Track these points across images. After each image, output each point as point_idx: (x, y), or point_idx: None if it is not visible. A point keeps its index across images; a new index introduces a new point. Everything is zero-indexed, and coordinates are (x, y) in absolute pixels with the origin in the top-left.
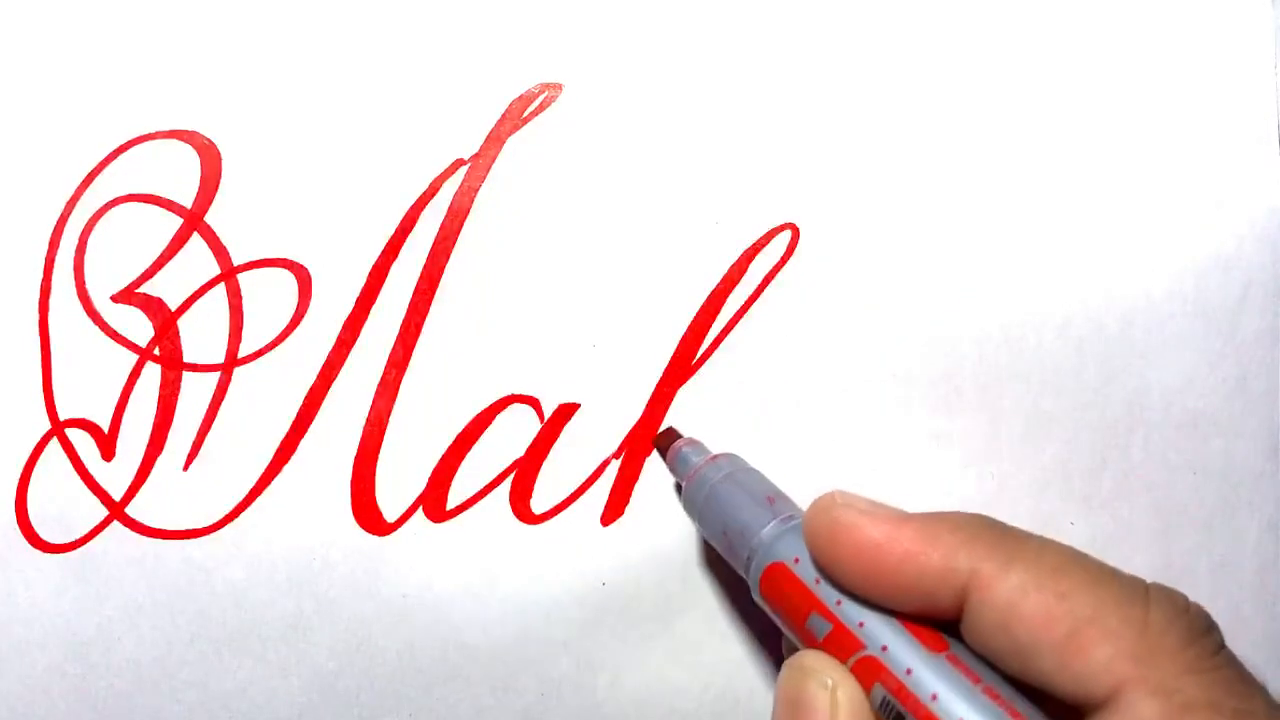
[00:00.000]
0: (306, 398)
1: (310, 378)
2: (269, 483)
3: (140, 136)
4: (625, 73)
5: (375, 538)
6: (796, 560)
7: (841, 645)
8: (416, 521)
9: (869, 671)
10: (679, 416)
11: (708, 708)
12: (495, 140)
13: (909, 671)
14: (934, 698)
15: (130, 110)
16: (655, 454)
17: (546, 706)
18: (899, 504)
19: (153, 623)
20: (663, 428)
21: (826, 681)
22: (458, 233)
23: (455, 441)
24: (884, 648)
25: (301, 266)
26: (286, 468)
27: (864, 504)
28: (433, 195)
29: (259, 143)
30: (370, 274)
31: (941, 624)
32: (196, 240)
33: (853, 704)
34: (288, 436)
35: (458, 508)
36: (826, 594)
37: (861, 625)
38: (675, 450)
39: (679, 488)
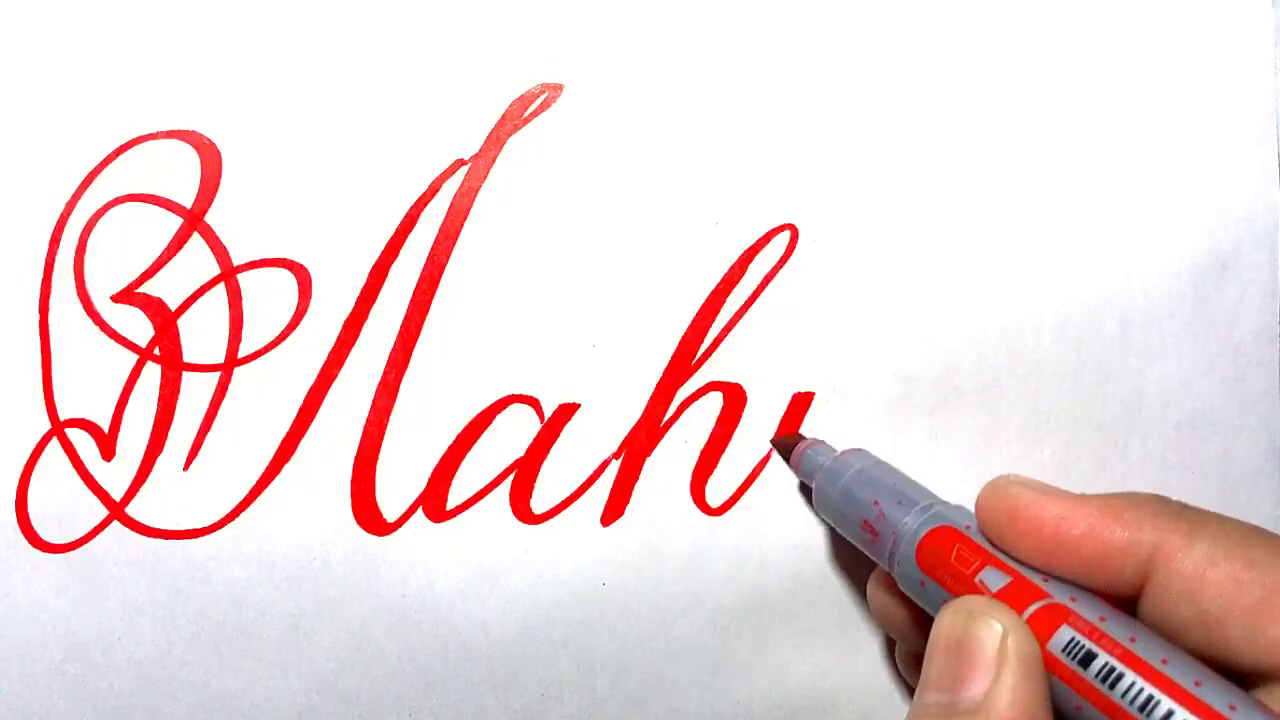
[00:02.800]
0: (306, 398)
1: (310, 378)
2: (269, 483)
3: (140, 136)
4: (625, 73)
5: (375, 538)
6: (967, 527)
7: (1021, 595)
8: (416, 521)
9: (1054, 616)
10: (679, 417)
11: (708, 708)
12: (495, 140)
13: (1102, 619)
14: (1132, 640)
15: (130, 110)
16: (657, 454)
17: (546, 706)
18: None
19: (153, 623)
20: (781, 434)
21: (995, 625)
22: (458, 233)
23: (455, 441)
24: (1072, 599)
25: (301, 266)
26: (286, 468)
27: (1037, 484)
28: (433, 195)
29: (259, 143)
30: (370, 274)
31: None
32: (196, 240)
33: (1024, 650)
34: (288, 436)
35: (458, 508)
36: (1004, 555)
37: (1045, 580)
38: (800, 451)
39: (804, 488)
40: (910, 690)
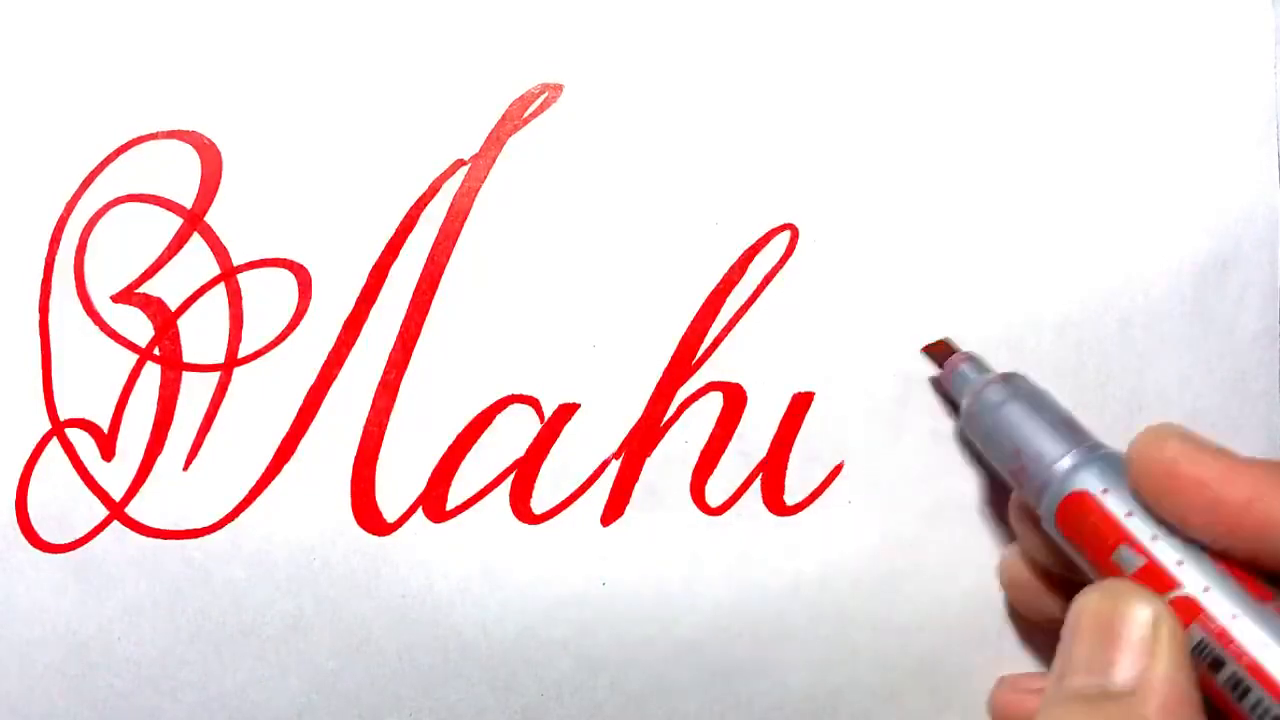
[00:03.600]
0: (306, 398)
1: (310, 378)
2: (269, 483)
3: (140, 136)
4: (625, 73)
5: (375, 538)
6: (1105, 491)
7: (1154, 582)
8: (416, 521)
9: (1185, 612)
10: (679, 417)
11: (708, 708)
12: (495, 141)
13: (1234, 617)
14: (1265, 646)
15: (130, 110)
16: (657, 454)
17: (546, 706)
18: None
19: (153, 623)
20: (935, 339)
21: (1147, 609)
22: (458, 233)
23: (455, 441)
24: (1206, 589)
25: (301, 266)
26: (286, 468)
27: (1200, 439)
28: (433, 196)
29: (259, 143)
30: (370, 274)
31: (1265, 574)
32: (196, 240)
33: (1177, 639)
34: (288, 436)
35: (458, 508)
36: (1139, 528)
37: (1180, 564)
38: (953, 365)
39: (955, 408)
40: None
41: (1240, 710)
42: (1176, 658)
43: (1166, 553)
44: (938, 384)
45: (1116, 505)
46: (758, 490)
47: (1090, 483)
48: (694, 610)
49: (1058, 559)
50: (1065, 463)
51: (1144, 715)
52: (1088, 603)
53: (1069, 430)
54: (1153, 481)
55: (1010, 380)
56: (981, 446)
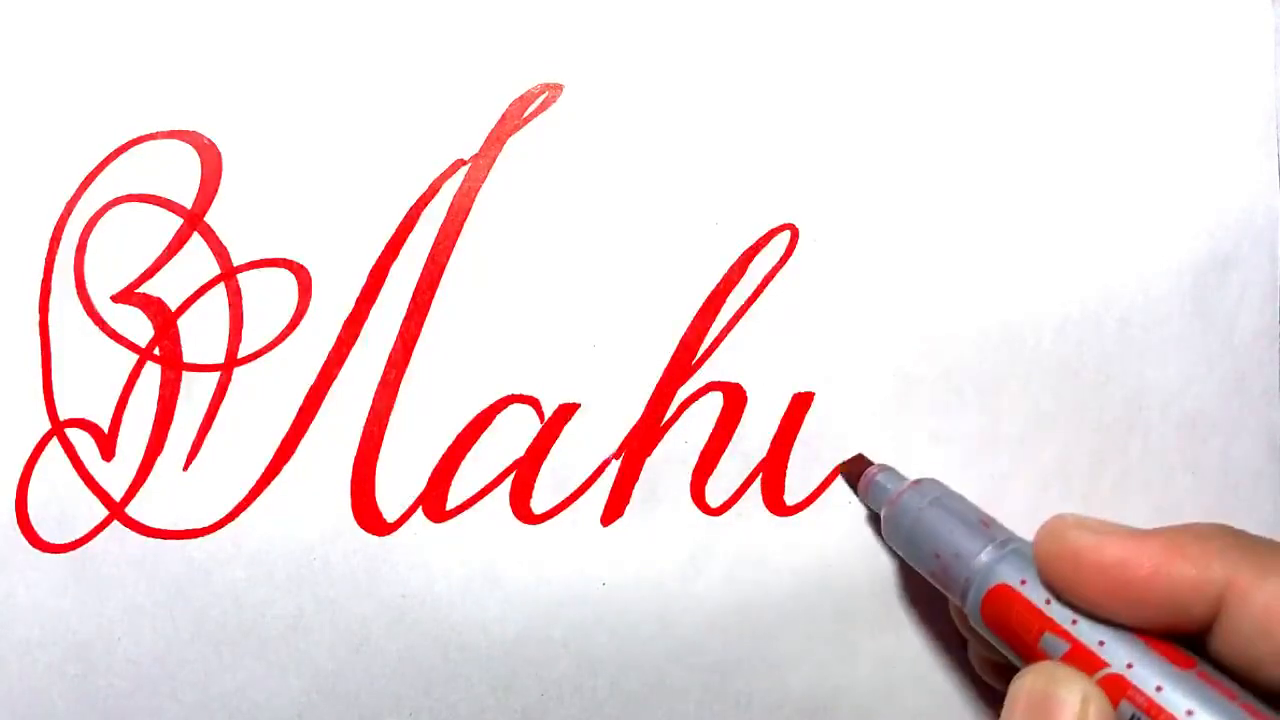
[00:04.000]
0: (306, 398)
1: (310, 378)
2: (269, 483)
3: (140, 136)
4: (625, 73)
5: (375, 538)
6: (1023, 582)
7: (1081, 664)
8: (416, 521)
9: (1114, 689)
10: (679, 417)
11: (707, 708)
12: (495, 141)
13: (1159, 689)
14: (1189, 714)
15: (130, 110)
16: (657, 454)
17: (546, 706)
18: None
19: (153, 623)
20: (850, 456)
21: (1077, 690)
22: (458, 233)
23: (455, 441)
24: (1129, 665)
25: (301, 266)
26: (286, 468)
27: (1097, 523)
28: (433, 195)
29: (259, 143)
30: (370, 274)
31: (1184, 640)
32: (196, 240)
33: (1105, 715)
34: (288, 436)
35: (458, 508)
36: (1060, 614)
37: (1102, 644)
38: (869, 478)
39: (874, 517)
40: (973, 683)
41: None
42: None
43: (1088, 634)
44: (860, 496)
45: (1035, 594)
46: (758, 490)
47: (1008, 575)
48: (694, 610)
49: (995, 651)
50: (982, 559)
51: None
52: (1021, 685)
53: (982, 528)
54: (1060, 573)
55: (922, 486)
56: (905, 554)
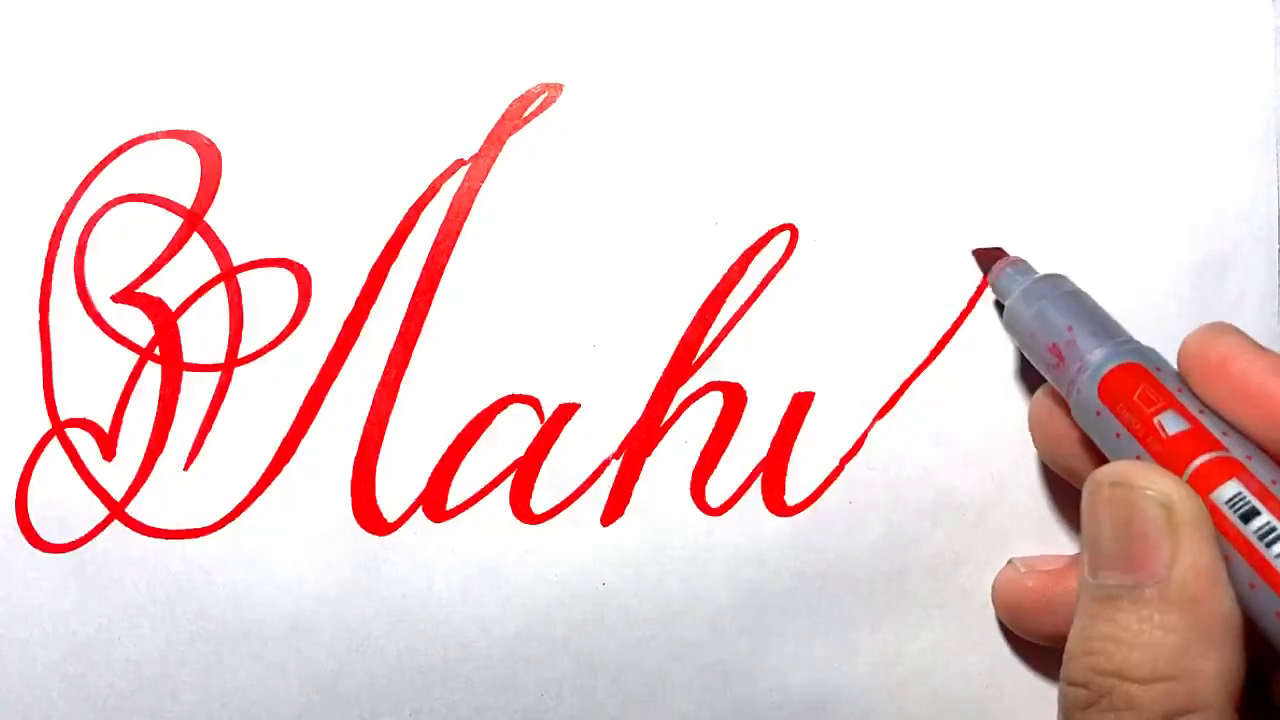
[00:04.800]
0: (306, 398)
1: (310, 378)
2: (269, 483)
3: (140, 136)
4: (625, 73)
5: (375, 538)
6: (1158, 369)
7: (1195, 444)
8: (416, 521)
9: (1224, 469)
10: (679, 417)
11: (708, 708)
12: (495, 140)
13: (1275, 482)
14: None
15: (130, 110)
16: (657, 454)
17: (546, 706)
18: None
19: (153, 623)
20: (988, 246)
21: (1159, 497)
22: (458, 233)
23: (455, 441)
24: (1249, 457)
25: (301, 266)
26: (286, 468)
27: (1251, 340)
28: (433, 195)
29: (259, 143)
30: (370, 274)
31: None
32: (196, 240)
33: (1194, 515)
34: (288, 436)
35: (458, 508)
36: (1189, 401)
37: (1225, 434)
38: (1000, 268)
39: (999, 306)
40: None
41: (1267, 558)
42: (1197, 538)
43: (1214, 422)
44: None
45: (1168, 380)
46: (758, 490)
47: (1144, 359)
48: (694, 610)
49: (1071, 446)
50: (1114, 345)
51: (1177, 602)
52: (1100, 494)
53: (1116, 325)
54: (1203, 372)
55: (1056, 279)
56: (1028, 330)
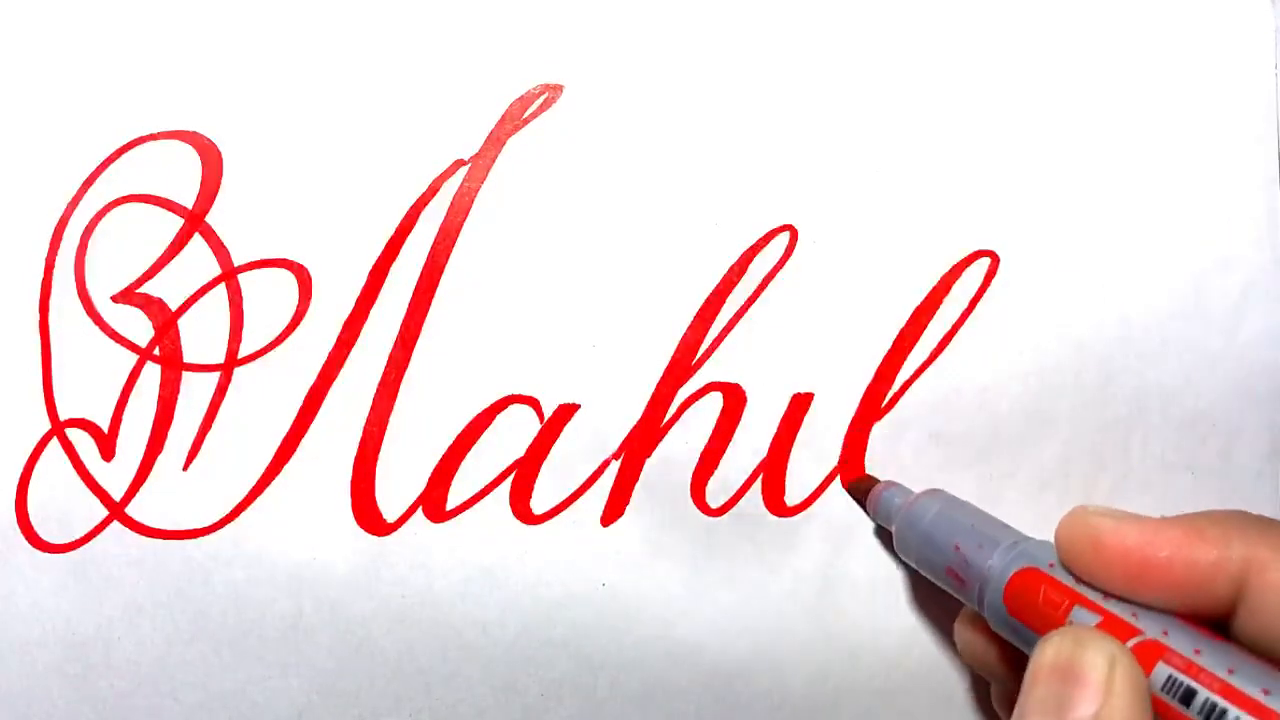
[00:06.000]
0: (306, 398)
1: (310, 378)
2: (269, 483)
3: (141, 137)
4: (625, 73)
5: (375, 538)
6: (1051, 565)
7: (1114, 631)
8: (416, 521)
9: (1149, 654)
10: (679, 417)
11: (707, 709)
12: (495, 141)
13: (1197, 651)
14: (1230, 672)
15: (131, 110)
16: (657, 454)
17: (546, 706)
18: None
19: (153, 623)
20: (856, 478)
21: (1103, 651)
22: (458, 233)
23: (455, 441)
24: (1165, 632)
25: (301, 266)
26: (286, 468)
27: (1116, 511)
28: (433, 195)
29: (259, 143)
30: (370, 274)
31: (1211, 625)
32: (197, 240)
33: (1134, 676)
34: (288, 436)
35: (458, 508)
36: (1089, 591)
37: (1135, 615)
38: (876, 494)
39: (880, 531)
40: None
41: None
42: (1133, 697)
43: (1120, 608)
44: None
45: (1063, 575)
46: (758, 490)
47: (1035, 560)
48: (694, 610)
49: (1010, 668)
50: (1002, 555)
51: None
52: (1046, 647)
53: (999, 528)
54: (1082, 560)
55: (932, 495)
56: (919, 556)
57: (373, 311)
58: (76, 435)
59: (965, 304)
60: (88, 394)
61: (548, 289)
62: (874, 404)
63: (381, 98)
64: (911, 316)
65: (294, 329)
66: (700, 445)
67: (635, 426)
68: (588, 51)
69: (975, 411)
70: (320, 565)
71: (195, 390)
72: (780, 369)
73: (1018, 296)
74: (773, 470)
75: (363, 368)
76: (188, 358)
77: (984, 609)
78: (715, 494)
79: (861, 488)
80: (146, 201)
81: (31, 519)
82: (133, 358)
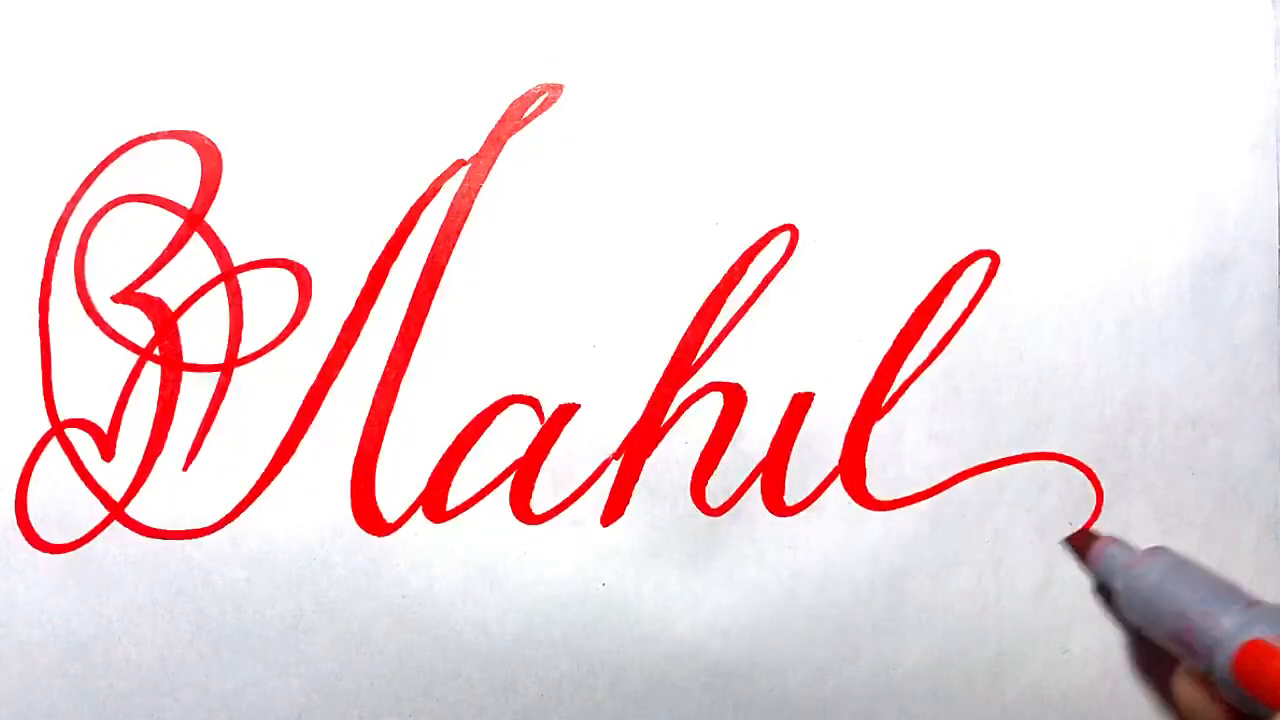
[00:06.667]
0: (306, 398)
1: (310, 378)
2: (269, 483)
3: (141, 137)
4: (625, 73)
5: (375, 538)
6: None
7: None
8: (416, 521)
9: None
10: (679, 417)
11: (707, 709)
12: (495, 141)
13: None
14: None
15: (131, 110)
16: (657, 454)
17: (546, 706)
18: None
19: (153, 623)
20: (1077, 531)
21: None
22: (458, 233)
23: (455, 441)
24: None
25: (301, 266)
26: (286, 468)
27: None
28: (433, 195)
29: (259, 143)
30: (370, 274)
31: None
32: (197, 240)
33: None
34: (288, 436)
35: (458, 508)
36: None
37: None
38: (1099, 549)
39: (1101, 589)
40: None
41: None
42: None
43: None
44: (1086, 569)
45: None
46: (758, 490)
47: (1263, 630)
48: (694, 610)
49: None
50: (1235, 616)
51: None
52: None
53: (1229, 590)
54: None
55: (1160, 553)
56: (1144, 620)
57: (373, 311)
58: (76, 435)
59: (965, 304)
60: (88, 394)
61: (548, 289)
62: (874, 404)
63: (381, 98)
64: (911, 316)
65: (294, 329)
66: (700, 445)
67: (635, 426)
68: (588, 51)
69: (975, 411)
70: (320, 565)
71: (195, 390)
72: (780, 369)
73: (1018, 296)
74: (773, 470)
75: (363, 368)
76: (188, 358)
77: (1214, 676)
78: (715, 494)
79: (1082, 543)
80: (146, 201)
81: (31, 519)
82: (133, 358)
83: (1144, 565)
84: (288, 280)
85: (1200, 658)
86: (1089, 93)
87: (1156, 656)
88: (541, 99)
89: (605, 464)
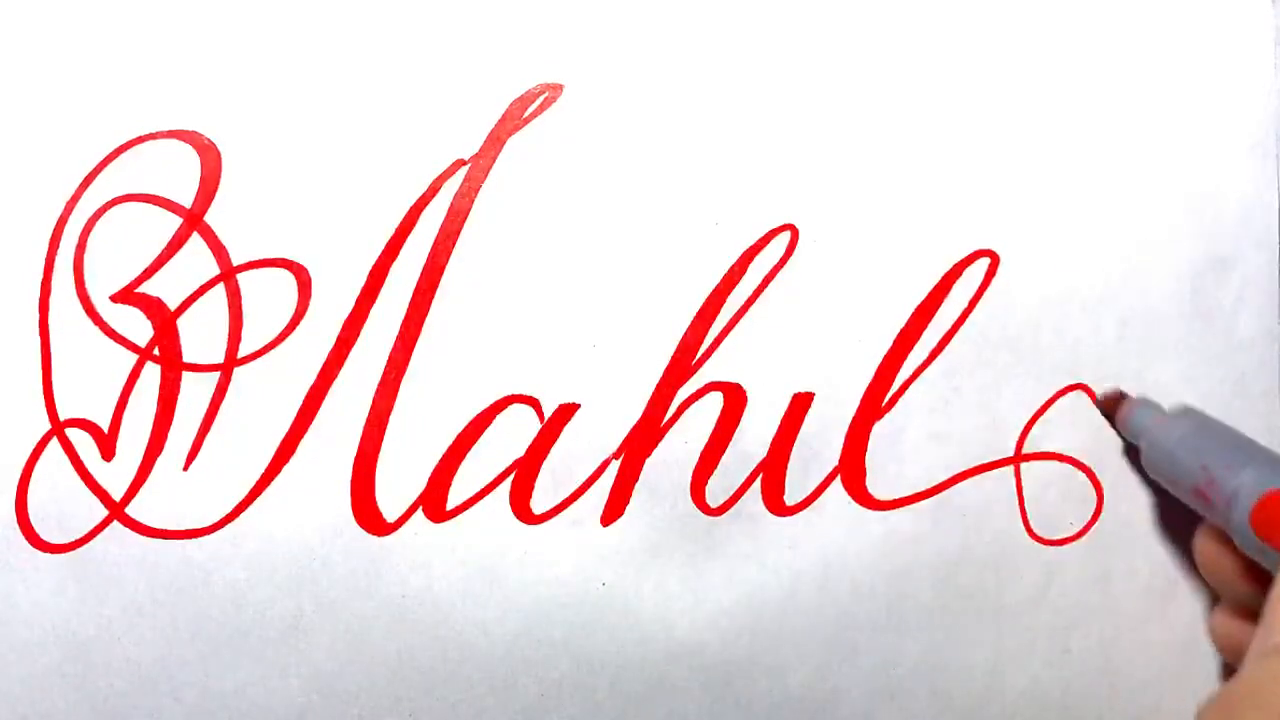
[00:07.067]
0: (306, 398)
1: (310, 378)
2: (269, 483)
3: (140, 136)
4: (625, 73)
5: (375, 538)
6: None
7: None
8: (416, 521)
9: None
10: (679, 417)
11: (707, 709)
12: (495, 141)
13: None
14: None
15: (130, 110)
16: (657, 454)
17: (546, 707)
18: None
19: (153, 623)
20: (1108, 393)
21: None
22: (458, 233)
23: (455, 441)
24: None
25: (301, 266)
26: (286, 468)
27: None
28: (433, 196)
29: (259, 143)
30: (370, 274)
31: None
32: (196, 240)
33: None
34: (288, 436)
35: (458, 508)
36: None
37: None
38: (1129, 410)
39: (1129, 450)
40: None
41: None
42: None
43: None
44: (1117, 429)
45: None
46: (758, 490)
47: None
48: (694, 610)
49: (1251, 584)
50: (1251, 475)
51: None
52: None
53: (1253, 446)
54: None
55: (1189, 413)
56: (1167, 473)
57: (373, 311)
58: (76, 435)
59: (965, 304)
60: (88, 394)
61: (548, 289)
62: (874, 404)
63: (381, 98)
64: (911, 316)
65: (294, 329)
66: (700, 445)
67: (635, 426)
68: (588, 51)
69: (975, 411)
70: (320, 565)
71: (195, 390)
72: (780, 369)
73: (1018, 296)
74: (773, 470)
75: (363, 368)
76: (187, 358)
77: (1230, 528)
78: (715, 494)
79: (1112, 404)
80: (145, 201)
81: (31, 519)
82: (132, 358)
83: (1171, 423)
84: (287, 280)
85: (1219, 511)
86: (1089, 93)
87: (1184, 520)
88: (541, 99)
89: (605, 464)
